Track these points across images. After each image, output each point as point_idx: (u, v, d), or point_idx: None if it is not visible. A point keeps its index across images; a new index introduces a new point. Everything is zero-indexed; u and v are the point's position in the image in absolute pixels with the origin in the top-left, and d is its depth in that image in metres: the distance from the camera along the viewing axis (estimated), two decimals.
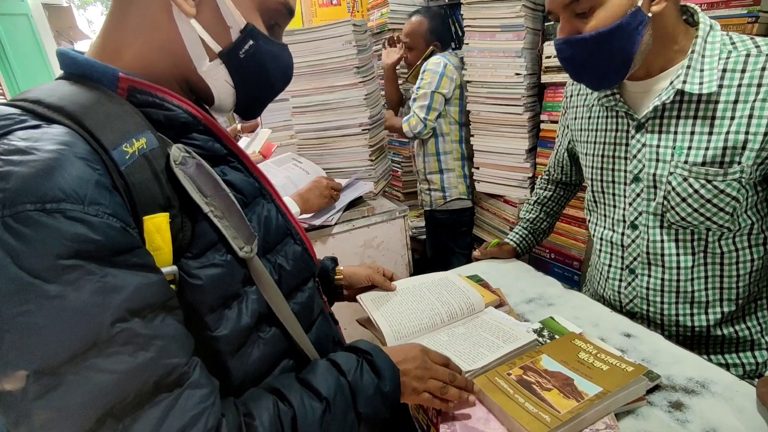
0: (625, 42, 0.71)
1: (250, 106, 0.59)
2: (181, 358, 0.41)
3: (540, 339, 0.81)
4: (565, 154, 1.08)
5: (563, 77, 1.53)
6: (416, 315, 0.82)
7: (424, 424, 0.79)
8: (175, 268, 0.44)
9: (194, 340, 0.44)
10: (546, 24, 1.60)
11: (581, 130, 0.96)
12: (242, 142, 2.07)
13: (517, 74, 1.62)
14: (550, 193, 1.19)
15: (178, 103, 0.49)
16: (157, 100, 0.47)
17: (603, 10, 0.70)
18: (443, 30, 1.95)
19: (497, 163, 1.82)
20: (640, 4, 0.70)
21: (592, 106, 0.92)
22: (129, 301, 0.38)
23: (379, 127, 1.73)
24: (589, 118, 0.93)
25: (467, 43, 1.73)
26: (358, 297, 0.88)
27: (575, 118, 0.98)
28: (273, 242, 0.56)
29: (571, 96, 1.01)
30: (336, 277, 0.88)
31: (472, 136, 1.87)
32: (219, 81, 0.53)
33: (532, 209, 1.21)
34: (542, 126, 1.66)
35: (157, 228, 0.42)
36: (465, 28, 1.72)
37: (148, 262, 0.41)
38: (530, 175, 1.73)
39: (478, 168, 1.89)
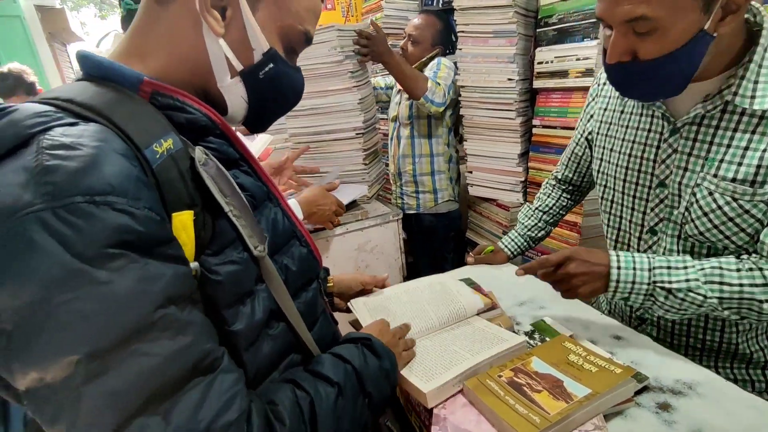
0: (686, 65, 0.66)
1: (258, 121, 0.63)
2: (213, 344, 0.43)
3: (531, 341, 0.81)
4: (585, 143, 1.01)
5: (555, 83, 1.55)
6: (407, 320, 0.82)
7: (417, 426, 0.80)
8: (197, 264, 0.46)
9: None
10: (538, 30, 1.62)
11: (610, 123, 0.90)
12: None
13: (509, 79, 1.64)
14: (554, 201, 1.14)
15: (197, 107, 0.51)
16: (178, 103, 0.49)
17: (666, 35, 0.62)
18: (447, 37, 1.96)
19: (490, 167, 1.83)
20: (706, 27, 0.62)
21: (627, 100, 0.87)
22: (167, 289, 0.40)
23: (373, 131, 1.74)
24: (622, 112, 0.88)
25: (460, 48, 1.75)
26: (349, 303, 0.88)
27: (605, 109, 0.92)
28: (279, 244, 0.58)
29: (605, 84, 0.94)
30: (327, 285, 0.89)
31: (466, 140, 1.88)
32: (236, 96, 0.56)
33: (532, 215, 1.17)
34: (534, 131, 1.68)
35: (183, 225, 0.45)
36: (458, 34, 1.74)
37: (180, 254, 0.43)
38: (522, 179, 1.74)
39: (471, 172, 1.91)
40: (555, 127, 1.60)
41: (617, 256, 0.76)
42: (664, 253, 0.83)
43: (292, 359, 0.57)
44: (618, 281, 0.75)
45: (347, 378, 0.55)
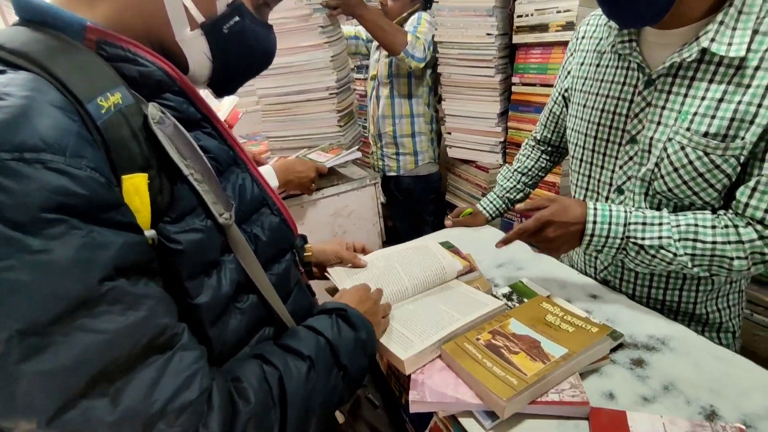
0: None
1: (225, 83, 0.58)
2: (170, 319, 0.40)
3: (509, 303, 0.81)
4: (562, 102, 0.99)
5: (535, 37, 1.50)
6: (386, 285, 0.80)
7: (396, 390, 0.80)
8: (153, 232, 0.43)
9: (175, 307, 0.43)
10: None
11: (585, 78, 0.87)
12: None
13: (488, 34, 1.57)
14: (533, 162, 1.12)
15: (152, 59, 0.46)
16: (129, 54, 0.44)
17: None
18: None
19: (468, 128, 1.79)
20: None
21: (604, 52, 0.84)
22: (116, 259, 0.36)
23: (348, 91, 1.66)
24: (598, 66, 0.85)
25: (437, 1, 1.66)
26: (327, 271, 0.86)
27: (581, 64, 0.89)
28: (248, 212, 0.54)
29: (583, 38, 0.91)
30: (305, 254, 0.86)
31: (444, 100, 1.83)
32: (197, 52, 0.51)
33: (511, 177, 1.15)
34: (513, 89, 1.64)
35: (136, 189, 0.41)
36: None
37: (131, 221, 0.40)
38: (502, 139, 1.71)
39: (450, 133, 1.86)
40: (534, 85, 1.56)
41: (594, 210, 0.76)
42: None
43: (263, 333, 0.54)
44: (592, 235, 0.76)
45: (320, 351, 0.52)
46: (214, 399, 0.41)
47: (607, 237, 0.75)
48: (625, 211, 0.76)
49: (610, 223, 0.75)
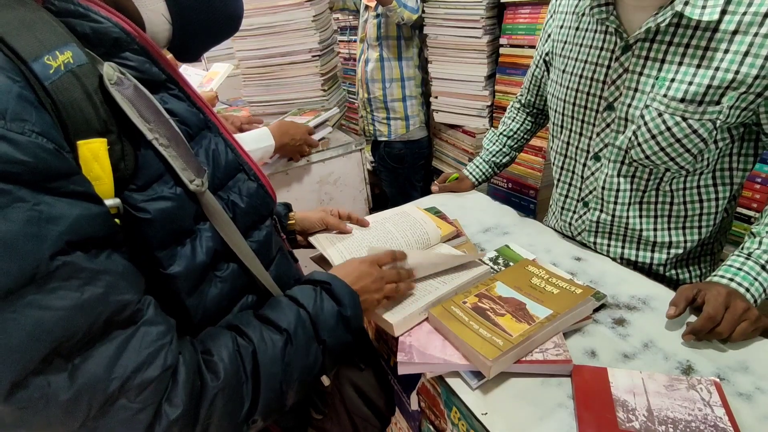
0: None
1: (187, 49, 0.54)
2: (133, 295, 0.39)
3: (495, 267, 0.82)
4: (543, 65, 0.97)
5: None
6: (370, 252, 0.80)
7: (384, 353, 0.81)
8: (118, 200, 0.41)
9: (148, 278, 0.42)
10: None
11: (565, 42, 0.86)
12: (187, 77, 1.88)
13: None
14: (518, 125, 1.12)
15: (106, 14, 0.42)
16: (80, 9, 0.41)
17: None
18: None
19: (455, 92, 1.76)
20: None
21: (583, 15, 0.82)
22: (69, 233, 0.34)
23: (332, 53, 1.60)
24: (577, 29, 0.83)
25: None
26: (310, 238, 0.85)
27: (561, 27, 0.88)
28: (223, 178, 0.52)
29: None
30: (288, 222, 0.85)
31: (430, 62, 1.78)
32: (155, 14, 0.48)
33: (496, 140, 1.14)
34: (501, 50, 1.60)
35: (95, 155, 0.38)
36: None
37: (88, 191, 0.37)
38: (489, 103, 1.69)
39: (436, 97, 1.83)
40: (523, 46, 1.52)
41: (738, 285, 0.67)
42: (605, 180, 0.82)
43: (245, 301, 0.53)
44: (755, 300, 0.67)
45: (299, 323, 0.51)
46: (180, 373, 0.40)
47: (765, 289, 0.67)
48: (753, 261, 0.68)
49: (756, 279, 0.67)
